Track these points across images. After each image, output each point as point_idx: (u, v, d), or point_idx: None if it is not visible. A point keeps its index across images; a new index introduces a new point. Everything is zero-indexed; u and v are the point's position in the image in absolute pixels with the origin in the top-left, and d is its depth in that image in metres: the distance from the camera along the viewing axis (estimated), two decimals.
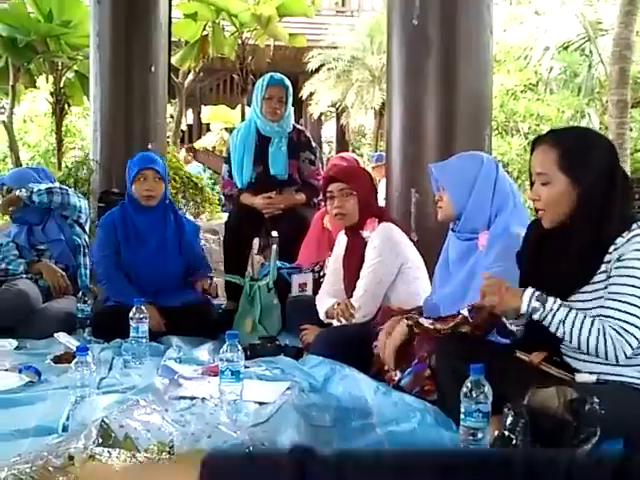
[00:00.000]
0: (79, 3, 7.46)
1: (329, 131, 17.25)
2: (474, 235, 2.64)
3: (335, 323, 3.14)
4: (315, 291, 3.61)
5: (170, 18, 5.61)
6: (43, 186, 3.99)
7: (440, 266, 2.82)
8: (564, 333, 1.97)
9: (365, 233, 3.16)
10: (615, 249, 1.96)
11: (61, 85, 8.04)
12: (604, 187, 2.00)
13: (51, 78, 8.06)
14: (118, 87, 5.10)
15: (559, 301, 1.99)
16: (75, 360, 2.32)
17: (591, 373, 2.02)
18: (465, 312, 2.30)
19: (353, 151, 13.67)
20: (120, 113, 5.14)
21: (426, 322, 2.49)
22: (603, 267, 1.98)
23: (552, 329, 2.00)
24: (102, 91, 5.11)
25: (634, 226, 1.97)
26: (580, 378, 2.03)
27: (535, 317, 2.01)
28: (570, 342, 1.98)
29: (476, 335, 2.29)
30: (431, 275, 2.99)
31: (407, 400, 2.41)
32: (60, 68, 7.98)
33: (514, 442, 1.64)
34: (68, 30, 7.35)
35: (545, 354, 2.10)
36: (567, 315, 1.97)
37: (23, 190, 3.94)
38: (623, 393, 1.98)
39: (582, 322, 1.95)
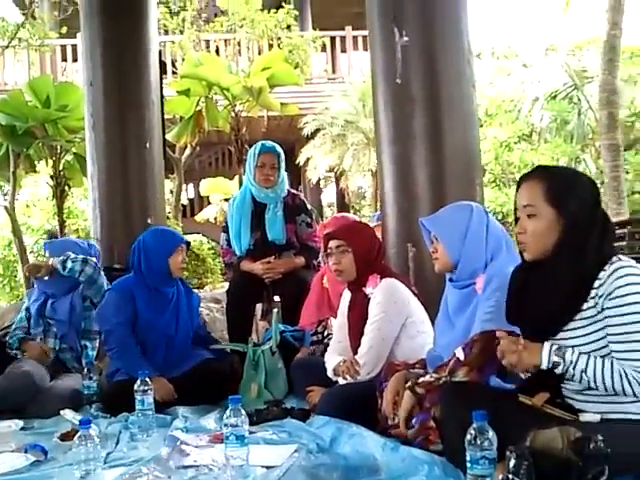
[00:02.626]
0: (75, 88, 7.63)
1: (329, 195, 17.41)
2: (472, 281, 2.66)
3: (341, 381, 3.14)
4: (320, 351, 3.61)
5: (162, 95, 5.74)
6: (81, 256, 4.03)
7: (440, 317, 2.83)
8: (588, 381, 1.99)
9: (368, 289, 3.18)
10: (600, 284, 1.99)
11: (60, 168, 8.14)
12: (586, 222, 2.06)
13: (50, 162, 8.17)
14: (114, 165, 5.19)
15: (577, 350, 2.01)
16: (78, 434, 2.32)
17: (595, 413, 2.02)
18: (459, 353, 2.31)
19: (355, 213, 13.75)
20: (118, 190, 5.22)
21: (426, 377, 2.49)
22: (591, 302, 2.00)
23: (575, 379, 2.02)
24: (99, 170, 5.20)
25: (614, 259, 2.01)
26: (584, 418, 2.02)
27: (557, 371, 2.02)
28: (597, 389, 1.99)
29: (478, 382, 2.29)
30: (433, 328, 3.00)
31: (415, 454, 2.39)
32: (59, 151, 8.09)
33: None
34: (65, 114, 7.49)
35: (548, 396, 2.10)
36: (587, 364, 1.99)
37: (57, 258, 3.97)
38: (629, 430, 1.96)
39: (602, 368, 1.97)
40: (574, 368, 1.99)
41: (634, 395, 1.95)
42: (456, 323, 2.70)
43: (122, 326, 3.67)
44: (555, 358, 2.01)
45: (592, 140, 11.67)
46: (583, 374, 1.99)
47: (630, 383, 1.94)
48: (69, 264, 3.96)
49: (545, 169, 2.27)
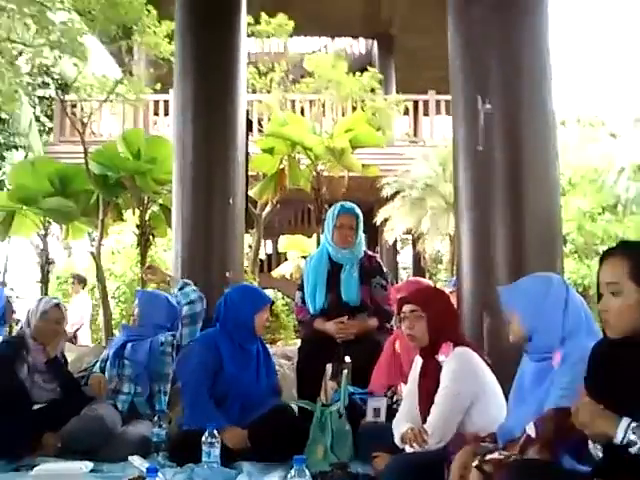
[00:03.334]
0: (165, 141, 7.93)
1: (405, 257, 17.35)
2: (548, 355, 2.59)
3: (408, 449, 3.08)
4: (389, 416, 3.56)
5: (247, 153, 5.90)
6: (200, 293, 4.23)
7: (515, 389, 2.76)
8: None
9: (440, 357, 3.14)
10: None
11: (146, 218, 8.43)
12: None
13: (137, 211, 8.46)
14: (198, 218, 5.32)
15: None
16: None
17: None
18: (530, 429, 2.23)
19: (430, 277, 13.62)
20: (200, 242, 5.33)
21: (495, 454, 2.42)
22: None
23: None
24: (183, 222, 5.34)
25: None
26: None
27: (632, 451, 1.90)
28: None
29: (549, 461, 2.20)
30: (507, 400, 2.93)
31: None
32: (146, 202, 8.39)
33: None
34: (154, 166, 7.79)
35: None
36: None
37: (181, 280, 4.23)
38: None
39: None
40: None
41: None
42: (530, 397, 2.63)
43: (200, 380, 3.71)
44: (632, 436, 1.89)
45: None
46: None
47: None
48: (188, 289, 4.15)
49: (629, 245, 2.21)
